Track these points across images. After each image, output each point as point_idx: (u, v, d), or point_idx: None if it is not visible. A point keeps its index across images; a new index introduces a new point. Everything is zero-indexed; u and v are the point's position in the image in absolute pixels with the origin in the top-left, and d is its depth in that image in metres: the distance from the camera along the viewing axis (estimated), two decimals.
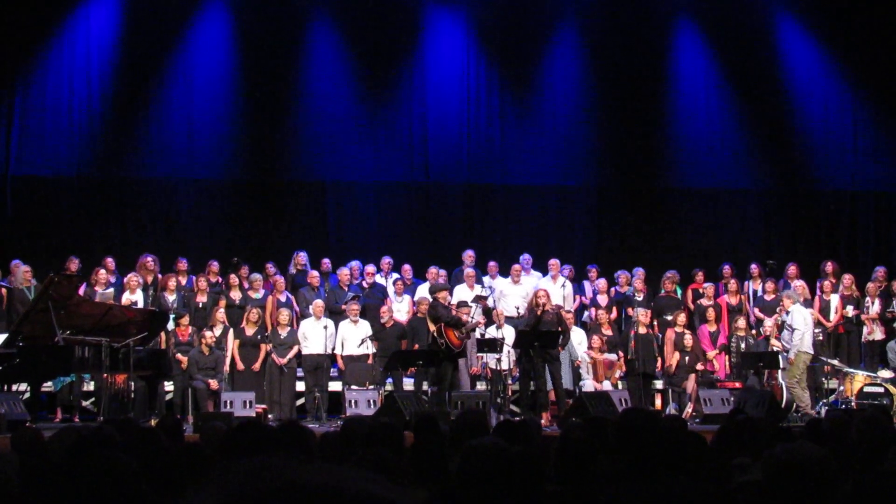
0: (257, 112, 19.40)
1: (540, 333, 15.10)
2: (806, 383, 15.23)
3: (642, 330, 15.75)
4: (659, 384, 16.16)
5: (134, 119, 19.08)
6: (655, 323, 16.53)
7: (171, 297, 15.86)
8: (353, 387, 15.22)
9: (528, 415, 14.30)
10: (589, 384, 15.48)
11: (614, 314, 16.79)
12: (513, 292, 16.99)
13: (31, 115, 18.76)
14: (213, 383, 14.76)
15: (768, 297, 16.96)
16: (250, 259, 17.35)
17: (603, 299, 16.99)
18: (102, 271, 15.95)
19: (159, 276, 16.44)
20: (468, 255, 17.53)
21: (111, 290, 15.80)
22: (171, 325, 15.29)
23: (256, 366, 15.44)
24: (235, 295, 16.30)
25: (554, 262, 17.31)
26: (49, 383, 14.67)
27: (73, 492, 3.60)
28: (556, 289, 16.57)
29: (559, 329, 14.94)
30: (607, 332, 16.14)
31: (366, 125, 19.57)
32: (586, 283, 17.54)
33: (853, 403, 14.49)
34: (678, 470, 4.58)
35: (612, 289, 17.29)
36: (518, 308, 16.59)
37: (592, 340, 15.88)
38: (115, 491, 3.59)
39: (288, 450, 4.90)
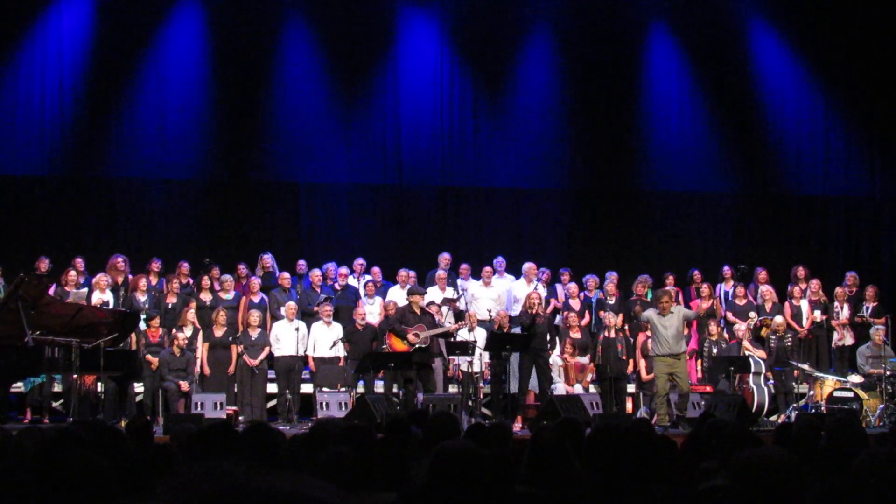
0: (230, 112, 19.32)
1: (510, 336, 15.14)
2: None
3: (611, 334, 15.74)
4: (631, 387, 16.17)
5: (106, 118, 18.95)
6: (627, 326, 16.55)
7: (141, 298, 15.77)
8: (325, 389, 15.19)
9: (499, 418, 14.32)
10: (560, 387, 15.50)
11: (586, 318, 16.76)
12: (484, 295, 17.02)
13: (2, 113, 18.62)
14: (184, 385, 14.69)
15: (739, 302, 17.05)
16: (222, 260, 17.24)
17: (575, 303, 16.99)
18: (73, 272, 15.86)
19: (130, 276, 16.33)
20: (444, 258, 17.50)
21: (84, 290, 15.71)
22: (142, 326, 15.21)
23: (231, 369, 15.39)
24: (205, 296, 16.19)
25: (529, 266, 17.27)
26: (19, 384, 14.59)
27: (43, 491, 3.57)
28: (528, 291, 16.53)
29: (528, 332, 15.00)
30: (576, 335, 16.13)
31: (339, 126, 19.52)
32: (558, 287, 17.53)
33: (823, 408, 14.56)
34: (648, 476, 4.58)
35: (583, 293, 17.29)
36: (490, 311, 16.60)
37: (564, 344, 15.89)
38: (87, 491, 3.56)
39: (256, 452, 4.88)
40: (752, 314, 16.68)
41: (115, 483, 3.63)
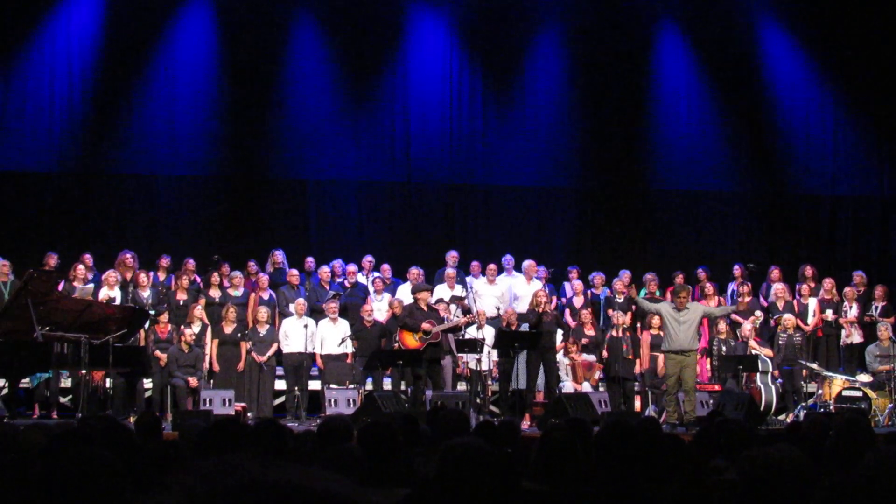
0: (239, 109, 19.33)
1: (518, 334, 15.12)
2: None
3: (618, 333, 15.72)
4: (638, 386, 16.13)
5: (115, 114, 18.97)
6: (638, 325, 16.53)
7: (145, 294, 15.78)
8: (333, 386, 15.19)
9: (507, 415, 14.31)
10: (568, 385, 15.48)
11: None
12: (488, 292, 16.96)
13: (12, 109, 18.65)
14: (193, 381, 14.71)
15: (743, 301, 17.01)
16: (231, 257, 17.27)
17: (578, 301, 16.96)
18: (81, 267, 15.86)
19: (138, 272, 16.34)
20: (452, 256, 17.48)
21: (91, 285, 15.73)
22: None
23: (240, 366, 15.40)
24: (214, 293, 16.21)
25: (529, 264, 17.24)
26: (26, 379, 14.60)
27: (51, 487, 3.58)
28: (530, 289, 16.43)
29: (534, 330, 15.00)
30: (590, 332, 16.12)
31: (348, 124, 19.53)
32: (567, 285, 17.51)
33: (832, 407, 14.52)
34: (656, 474, 4.58)
35: (589, 290, 17.26)
36: (498, 309, 16.57)
37: (571, 342, 15.87)
38: (95, 487, 3.57)
39: (264, 448, 4.89)
40: (758, 312, 16.65)
41: (124, 479, 3.63)
